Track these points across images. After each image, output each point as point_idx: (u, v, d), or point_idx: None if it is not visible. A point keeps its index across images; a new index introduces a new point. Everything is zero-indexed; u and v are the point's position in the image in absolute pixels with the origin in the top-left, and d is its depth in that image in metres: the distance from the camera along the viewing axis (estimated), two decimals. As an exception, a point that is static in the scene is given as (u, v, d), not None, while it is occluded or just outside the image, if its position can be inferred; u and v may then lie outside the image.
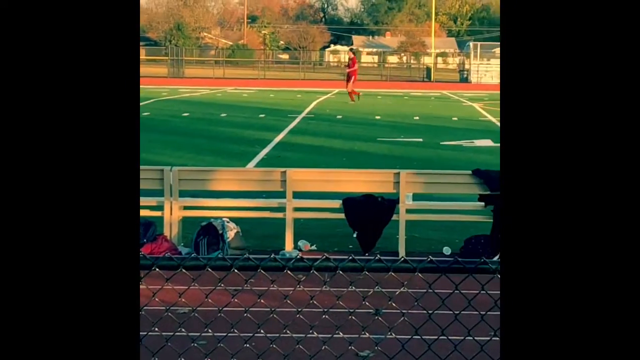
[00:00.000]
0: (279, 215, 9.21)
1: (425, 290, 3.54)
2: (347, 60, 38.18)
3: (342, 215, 9.20)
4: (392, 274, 3.15)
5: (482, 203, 9.28)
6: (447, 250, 9.07)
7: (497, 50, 65.39)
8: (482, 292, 3.47)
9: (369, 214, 9.10)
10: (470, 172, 9.27)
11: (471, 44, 61.88)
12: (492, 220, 9.05)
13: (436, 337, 3.50)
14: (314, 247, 9.18)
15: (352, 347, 4.10)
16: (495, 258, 8.89)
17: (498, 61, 59.27)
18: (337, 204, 9.26)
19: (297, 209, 9.28)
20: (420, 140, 20.33)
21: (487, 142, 20.02)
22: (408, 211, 9.27)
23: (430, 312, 3.46)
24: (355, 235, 9.11)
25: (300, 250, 9.09)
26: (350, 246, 9.17)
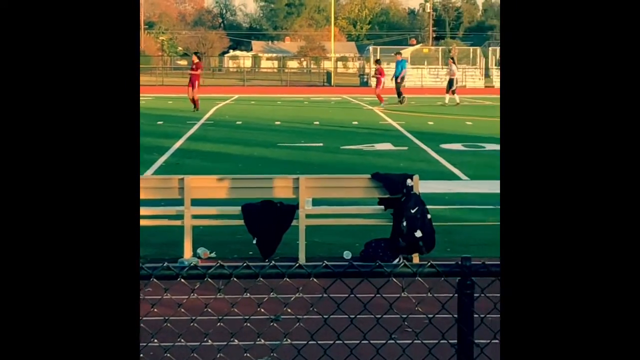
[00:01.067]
0: (177, 222, 9.11)
1: (320, 295, 3.52)
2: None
3: (241, 222, 9.14)
4: (288, 279, 3.12)
5: (382, 206, 9.33)
6: (347, 254, 9.08)
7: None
8: (377, 295, 3.46)
9: (268, 219, 9.06)
10: (369, 176, 9.30)
11: (371, 48, 62.34)
12: (392, 224, 9.09)
13: (332, 341, 3.48)
14: (213, 255, 9.10)
15: (248, 354, 4.05)
16: (395, 261, 8.94)
17: (398, 65, 59.95)
18: (236, 210, 9.20)
19: (195, 217, 9.19)
20: (321, 144, 20.37)
21: (387, 146, 20.16)
22: (308, 216, 9.26)
23: (326, 316, 3.44)
24: (255, 242, 9.06)
25: (199, 257, 9.00)
26: (251, 253, 9.12)
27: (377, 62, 38.87)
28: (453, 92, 35.76)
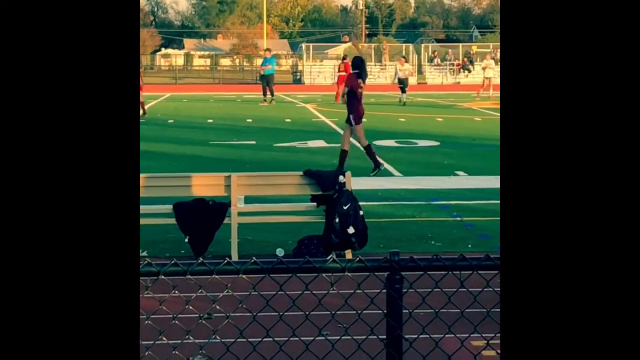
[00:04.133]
0: (109, 222, 9.01)
1: (248, 293, 3.51)
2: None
3: (173, 221, 9.09)
4: (217, 276, 3.10)
5: (315, 203, 9.34)
6: (280, 251, 9.08)
7: (330, 51, 66.16)
8: (306, 291, 3.46)
9: (200, 218, 9.01)
10: (301, 173, 9.31)
11: (303, 45, 62.34)
12: (324, 221, 9.10)
13: (261, 338, 3.47)
14: (144, 254, 9.02)
15: (177, 352, 4.02)
16: (329, 257, 8.95)
17: (331, 62, 60.03)
18: (167, 209, 9.14)
19: (127, 215, 9.10)
20: (254, 142, 20.32)
21: (320, 143, 20.19)
22: (240, 214, 9.24)
23: (255, 313, 3.43)
24: (186, 240, 9.01)
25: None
26: (183, 251, 9.06)
27: (344, 58, 38.20)
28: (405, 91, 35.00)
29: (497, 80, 39.97)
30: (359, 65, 15.12)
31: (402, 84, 34.99)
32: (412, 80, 55.62)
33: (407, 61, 38.69)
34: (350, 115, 14.72)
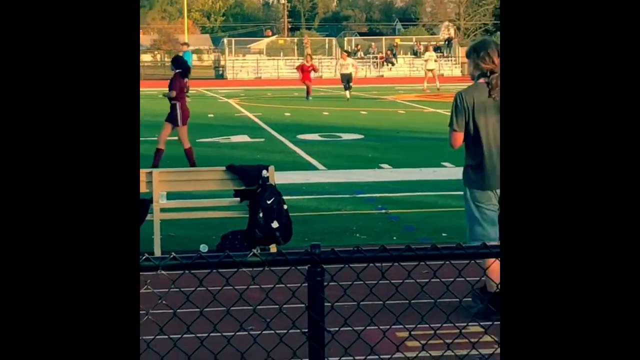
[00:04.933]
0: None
1: (168, 289, 3.47)
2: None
3: (94, 218, 8.96)
4: (135, 274, 3.06)
5: (238, 198, 9.29)
6: (203, 247, 9.01)
7: (252, 46, 65.98)
8: (227, 286, 3.43)
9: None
10: (224, 168, 9.25)
11: (225, 40, 62.08)
12: (248, 216, 9.06)
13: (181, 334, 3.43)
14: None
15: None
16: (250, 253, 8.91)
17: (254, 57, 59.90)
18: (89, 206, 9.01)
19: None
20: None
21: (243, 138, 20.13)
22: (162, 210, 9.15)
23: (175, 309, 3.39)
24: (109, 238, 8.90)
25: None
26: (105, 249, 8.95)
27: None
28: (350, 88, 32.99)
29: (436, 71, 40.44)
30: (181, 64, 15.09)
31: (345, 80, 33.24)
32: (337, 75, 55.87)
33: (349, 55, 37.23)
34: (174, 115, 14.72)
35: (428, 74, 38.66)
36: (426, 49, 47.53)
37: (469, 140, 6.69)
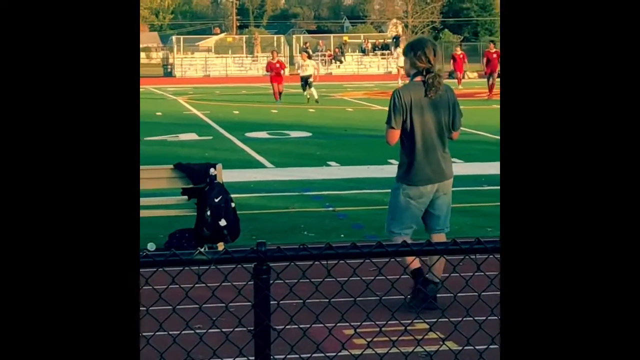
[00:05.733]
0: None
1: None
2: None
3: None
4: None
5: (186, 197, 9.27)
6: (151, 245, 8.98)
7: (201, 44, 65.68)
8: (173, 285, 3.44)
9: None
10: (172, 166, 9.23)
11: (174, 37, 61.78)
12: (195, 214, 9.04)
13: (153, 332, 3.43)
14: None
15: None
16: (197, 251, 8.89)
17: (202, 54, 59.64)
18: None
19: None
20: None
21: (192, 136, 20.07)
22: (110, 208, 9.10)
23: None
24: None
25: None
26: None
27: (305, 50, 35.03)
28: (310, 87, 30.79)
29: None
30: None
31: (303, 80, 30.97)
32: (285, 71, 55.77)
33: (310, 57, 34.81)
34: None
35: (401, 71, 38.43)
36: (397, 46, 47.05)
37: (405, 137, 6.85)
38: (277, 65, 30.90)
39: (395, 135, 6.81)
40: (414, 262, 6.77)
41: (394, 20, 78.66)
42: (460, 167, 13.12)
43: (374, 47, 60.68)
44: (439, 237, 6.89)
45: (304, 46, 55.49)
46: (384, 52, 59.18)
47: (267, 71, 31.71)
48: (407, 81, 7.01)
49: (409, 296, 6.57)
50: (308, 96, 30.52)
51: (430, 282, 6.74)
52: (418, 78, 6.80)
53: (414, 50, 6.83)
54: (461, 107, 7.10)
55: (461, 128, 7.08)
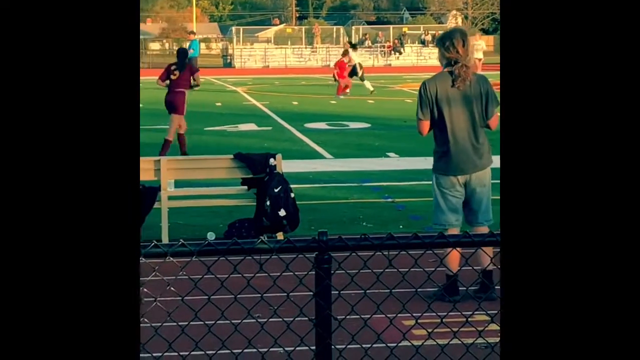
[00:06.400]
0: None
1: (176, 276, 3.47)
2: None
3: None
4: (144, 260, 3.08)
5: (246, 187, 9.31)
6: (211, 235, 9.03)
7: (260, 35, 65.91)
8: (235, 274, 3.45)
9: (130, 202, 8.93)
10: (232, 156, 9.27)
11: (233, 28, 62.02)
12: (255, 204, 9.08)
13: (188, 321, 3.46)
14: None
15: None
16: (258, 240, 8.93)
17: (262, 45, 59.80)
18: (97, 194, 9.04)
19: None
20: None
21: (251, 126, 20.14)
22: (170, 198, 9.18)
23: (183, 296, 3.42)
24: (117, 225, 8.92)
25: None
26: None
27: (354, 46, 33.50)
28: (362, 79, 30.10)
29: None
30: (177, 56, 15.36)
31: (353, 74, 29.89)
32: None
33: (354, 48, 32.89)
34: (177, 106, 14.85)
35: (476, 63, 37.34)
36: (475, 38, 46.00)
37: (435, 127, 6.91)
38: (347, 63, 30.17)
39: (425, 125, 6.89)
40: (454, 262, 6.70)
41: (454, 12, 78.11)
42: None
43: (434, 39, 60.37)
44: (481, 231, 6.85)
45: (364, 37, 55.20)
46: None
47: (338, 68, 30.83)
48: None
49: (471, 288, 6.54)
50: (370, 87, 29.84)
51: (455, 295, 6.66)
52: (447, 69, 6.85)
53: (443, 41, 6.92)
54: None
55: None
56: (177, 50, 16.18)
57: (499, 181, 2.89)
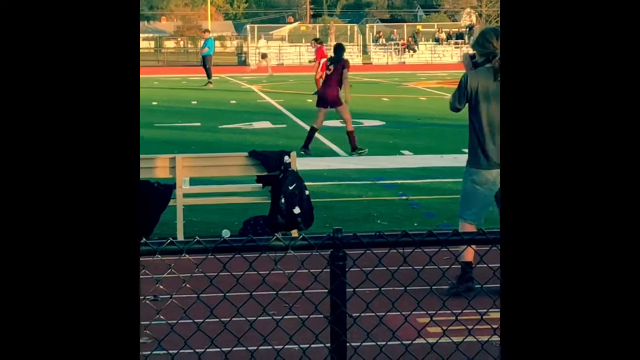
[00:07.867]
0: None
1: (192, 273, 3.50)
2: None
3: (117, 203, 9.01)
4: (160, 257, 3.10)
5: (260, 184, 9.32)
6: (226, 232, 9.03)
7: (275, 33, 65.92)
8: (250, 271, 3.47)
9: (145, 200, 8.96)
10: (246, 154, 9.28)
11: (248, 26, 62.07)
12: (270, 201, 9.09)
13: (203, 318, 3.47)
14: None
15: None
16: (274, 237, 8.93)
17: (276, 43, 59.79)
18: (112, 191, 9.06)
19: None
20: (199, 124, 20.22)
21: (265, 124, 20.15)
22: (185, 195, 9.20)
23: (199, 293, 3.43)
24: (132, 223, 8.94)
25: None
26: (128, 234, 9.00)
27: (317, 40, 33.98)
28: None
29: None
30: (334, 51, 15.81)
31: None
32: (358, 61, 55.63)
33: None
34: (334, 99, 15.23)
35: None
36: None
37: (473, 119, 6.98)
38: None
39: (456, 107, 7.02)
40: (469, 254, 6.74)
41: (468, 10, 77.96)
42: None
43: (448, 37, 60.29)
44: None
45: (379, 35, 55.02)
46: (457, 41, 58.75)
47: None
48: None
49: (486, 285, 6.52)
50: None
51: (469, 282, 6.68)
52: (487, 65, 6.91)
53: (478, 41, 7.08)
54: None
55: None
56: (334, 46, 16.51)
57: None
